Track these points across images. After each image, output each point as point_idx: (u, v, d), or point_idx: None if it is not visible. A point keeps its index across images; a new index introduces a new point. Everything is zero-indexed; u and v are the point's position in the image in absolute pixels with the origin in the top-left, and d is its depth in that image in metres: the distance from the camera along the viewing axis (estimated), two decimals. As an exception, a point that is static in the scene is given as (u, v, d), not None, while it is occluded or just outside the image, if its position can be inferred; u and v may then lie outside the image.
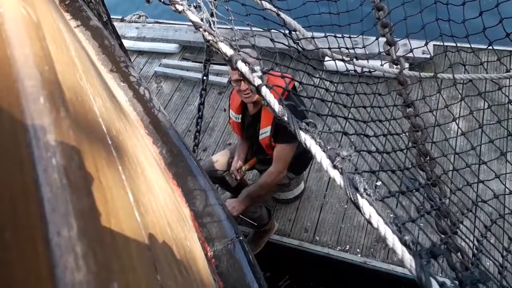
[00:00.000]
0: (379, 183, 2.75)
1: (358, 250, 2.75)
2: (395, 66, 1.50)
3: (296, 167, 2.47)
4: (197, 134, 2.93)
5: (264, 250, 2.81)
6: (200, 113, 2.87)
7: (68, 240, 0.33)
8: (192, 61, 4.22)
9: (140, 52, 4.49)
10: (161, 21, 4.68)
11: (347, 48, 1.56)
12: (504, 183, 1.37)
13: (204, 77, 2.76)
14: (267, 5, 1.50)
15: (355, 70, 1.67)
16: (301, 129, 0.86)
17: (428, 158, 1.34)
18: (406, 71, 1.46)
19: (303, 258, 2.83)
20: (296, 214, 2.99)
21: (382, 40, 1.53)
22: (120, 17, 4.79)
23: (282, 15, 1.58)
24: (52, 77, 0.54)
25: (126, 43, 4.45)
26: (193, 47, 4.34)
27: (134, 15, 4.76)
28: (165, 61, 4.30)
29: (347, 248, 2.77)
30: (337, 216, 2.92)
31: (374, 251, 2.71)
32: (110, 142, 0.66)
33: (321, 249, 2.78)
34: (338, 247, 2.78)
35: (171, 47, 4.37)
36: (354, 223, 2.84)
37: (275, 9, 1.53)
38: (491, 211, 2.26)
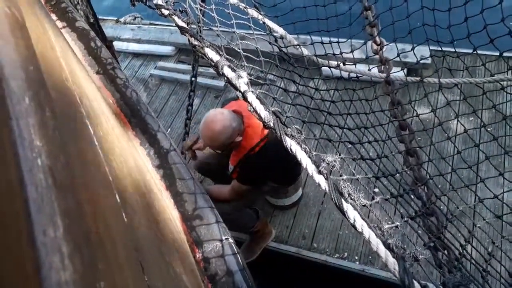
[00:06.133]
0: (376, 189, 2.75)
1: (356, 258, 2.71)
2: (382, 66, 1.51)
3: (277, 177, 2.47)
4: (185, 136, 2.92)
5: (261, 257, 2.77)
6: (188, 114, 2.87)
7: (54, 240, 0.33)
8: (188, 64, 4.17)
9: (135, 54, 4.41)
10: (156, 23, 4.60)
11: (334, 54, 1.58)
12: (488, 187, 1.39)
13: (193, 79, 2.77)
14: (254, 13, 1.51)
15: (342, 76, 1.69)
16: (287, 135, 0.87)
17: (415, 158, 1.36)
18: (393, 75, 1.48)
19: (301, 265, 2.79)
20: (294, 221, 2.94)
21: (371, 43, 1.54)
22: (115, 18, 4.73)
23: (269, 22, 1.59)
24: (37, 77, 0.54)
25: (121, 45, 4.38)
26: (189, 49, 4.25)
27: (129, 16, 4.67)
28: (160, 63, 4.25)
29: (345, 256, 2.73)
30: (335, 223, 2.88)
31: (372, 258, 2.68)
32: (96, 143, 0.65)
33: (319, 256, 2.74)
34: (336, 255, 2.74)
35: (167, 49, 4.32)
36: (353, 230, 2.75)
37: (261, 17, 1.55)
38: (476, 216, 2.28)
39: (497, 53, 1.27)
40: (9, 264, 0.34)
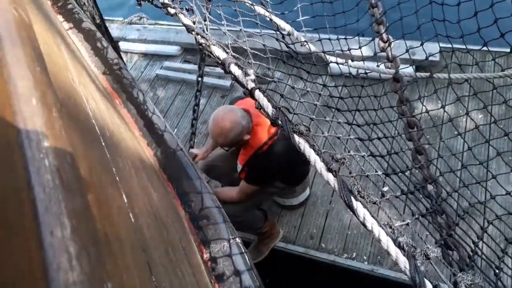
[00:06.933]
0: (386, 187, 2.73)
1: (365, 258, 2.68)
2: (390, 65, 1.50)
3: (285, 176, 2.46)
4: (192, 136, 2.93)
5: (269, 257, 2.77)
6: (195, 114, 2.87)
7: (61, 240, 0.33)
8: (194, 64, 4.16)
9: (141, 55, 4.43)
10: (162, 23, 4.62)
11: (342, 51, 1.56)
12: (500, 183, 1.36)
13: (199, 78, 2.77)
14: (260, 10, 1.50)
15: (350, 73, 1.68)
16: (295, 132, 0.86)
17: (424, 156, 1.34)
18: (401, 71, 1.47)
19: (309, 265, 2.78)
20: (302, 221, 2.92)
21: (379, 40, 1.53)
22: (121, 19, 4.75)
23: (276, 19, 1.58)
24: (44, 78, 0.53)
25: (127, 45, 4.39)
26: (195, 49, 4.24)
27: (135, 16, 4.68)
28: (166, 63, 4.25)
29: (353, 256, 2.70)
30: (343, 223, 2.85)
31: (381, 258, 2.64)
32: (103, 144, 0.65)
33: (327, 256, 2.72)
34: (345, 255, 2.72)
35: (173, 49, 4.32)
36: (361, 229, 2.75)
37: (268, 14, 1.54)
38: (487, 212, 2.25)
39: (508, 49, 1.25)
40: (16, 265, 0.34)
